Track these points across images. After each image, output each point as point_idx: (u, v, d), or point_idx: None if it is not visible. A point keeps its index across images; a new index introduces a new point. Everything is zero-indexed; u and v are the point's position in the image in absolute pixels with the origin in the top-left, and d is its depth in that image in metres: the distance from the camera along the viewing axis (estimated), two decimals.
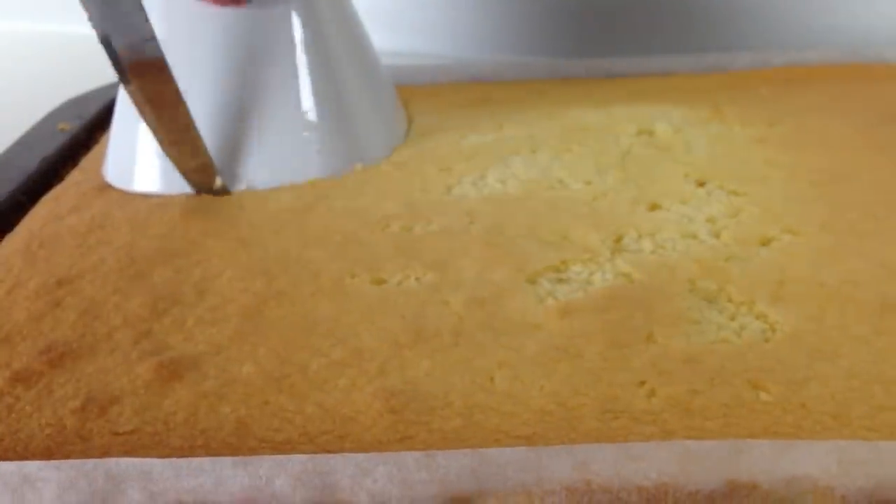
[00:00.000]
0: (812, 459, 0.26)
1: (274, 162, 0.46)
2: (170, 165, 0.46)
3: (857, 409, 0.29)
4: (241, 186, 0.46)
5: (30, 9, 0.79)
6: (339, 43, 0.49)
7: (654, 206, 0.42)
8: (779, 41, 0.65)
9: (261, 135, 0.46)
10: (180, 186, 0.46)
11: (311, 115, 0.47)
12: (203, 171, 0.45)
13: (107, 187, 0.47)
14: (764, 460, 0.26)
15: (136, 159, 0.47)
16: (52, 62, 0.73)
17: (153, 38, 0.41)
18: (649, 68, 0.60)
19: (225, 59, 0.47)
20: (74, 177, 0.49)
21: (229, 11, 0.46)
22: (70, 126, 0.54)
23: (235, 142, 0.46)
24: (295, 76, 0.47)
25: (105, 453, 0.29)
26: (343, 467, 0.27)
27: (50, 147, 0.52)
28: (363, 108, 0.49)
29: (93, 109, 0.57)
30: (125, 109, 0.48)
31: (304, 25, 0.47)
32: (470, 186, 0.45)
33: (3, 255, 0.42)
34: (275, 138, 0.47)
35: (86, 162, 0.52)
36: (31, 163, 0.50)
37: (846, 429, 0.29)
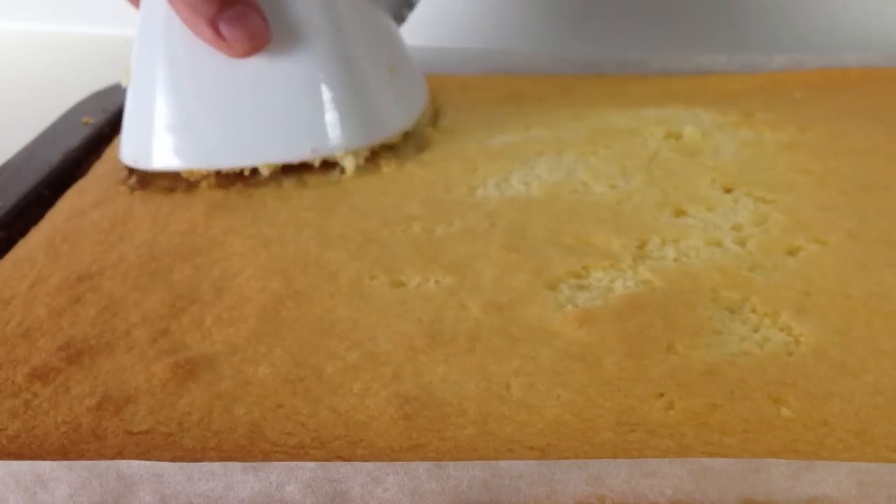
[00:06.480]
0: (832, 481, 0.26)
1: (290, 136, 0.46)
2: (189, 140, 0.45)
3: (881, 428, 0.29)
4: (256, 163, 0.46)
5: (59, 11, 0.79)
6: (348, 8, 0.47)
7: (679, 212, 0.41)
8: (816, 42, 0.64)
9: (274, 110, 0.46)
10: (201, 161, 0.46)
11: (325, 86, 0.46)
12: None
13: (130, 182, 0.47)
14: (782, 480, 0.26)
15: (153, 136, 0.46)
16: (74, 61, 0.74)
17: None
18: (682, 66, 0.59)
19: None
20: (98, 169, 0.49)
21: None
22: (94, 119, 0.54)
23: (249, 118, 0.46)
24: (307, 47, 0.46)
25: (119, 453, 0.29)
26: (354, 476, 0.27)
27: (73, 140, 0.52)
28: (378, 77, 0.48)
29: (116, 103, 0.57)
30: (139, 86, 0.47)
31: None
32: (493, 188, 0.44)
33: (27, 248, 0.42)
34: (288, 112, 0.46)
35: (109, 153, 0.51)
36: (55, 156, 0.50)
37: (869, 448, 0.28)
